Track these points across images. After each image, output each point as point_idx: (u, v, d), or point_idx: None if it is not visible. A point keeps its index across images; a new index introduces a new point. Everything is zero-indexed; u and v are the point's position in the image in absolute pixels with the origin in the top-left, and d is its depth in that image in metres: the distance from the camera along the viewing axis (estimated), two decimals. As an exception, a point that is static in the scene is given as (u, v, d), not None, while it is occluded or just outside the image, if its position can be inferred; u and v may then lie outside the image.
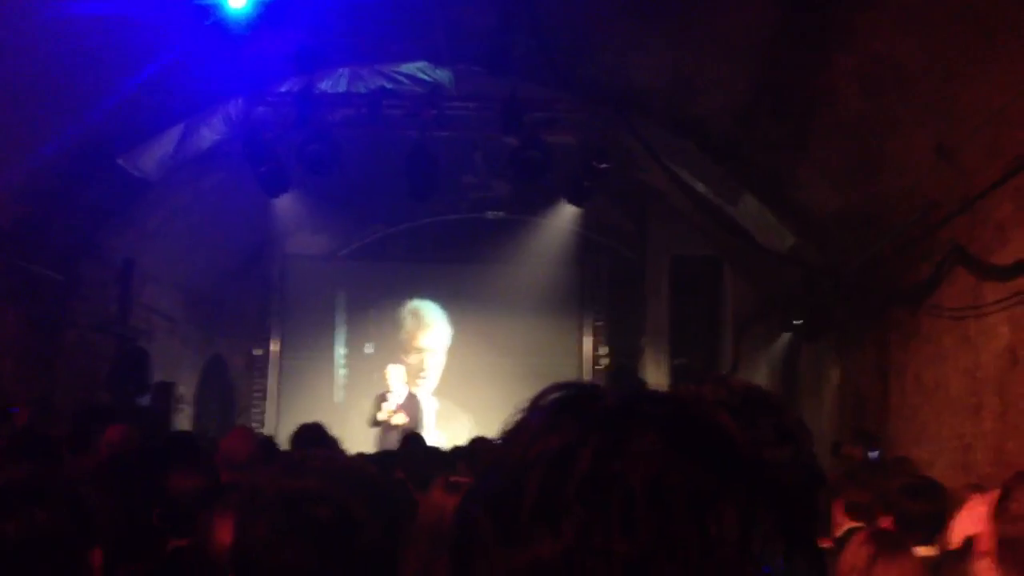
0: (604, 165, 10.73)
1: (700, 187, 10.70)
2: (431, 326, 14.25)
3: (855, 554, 2.90)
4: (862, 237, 9.24)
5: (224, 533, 2.32)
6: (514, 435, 0.76)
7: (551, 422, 0.74)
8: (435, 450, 5.62)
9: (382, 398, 11.53)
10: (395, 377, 11.79)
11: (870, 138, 8.18)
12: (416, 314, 14.28)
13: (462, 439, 10.42)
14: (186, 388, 12.94)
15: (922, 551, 3.42)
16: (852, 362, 10.49)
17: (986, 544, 2.20)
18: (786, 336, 12.05)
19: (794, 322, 11.17)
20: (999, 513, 2.16)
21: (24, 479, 1.87)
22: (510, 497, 0.70)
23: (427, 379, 13.92)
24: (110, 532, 2.09)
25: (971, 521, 3.07)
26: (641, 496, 0.67)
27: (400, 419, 10.75)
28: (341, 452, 6.48)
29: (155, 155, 10.12)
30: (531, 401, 0.80)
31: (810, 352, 11.71)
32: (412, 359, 13.89)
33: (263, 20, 7.74)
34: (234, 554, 1.35)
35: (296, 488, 1.33)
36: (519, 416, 0.79)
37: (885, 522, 3.96)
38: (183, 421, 12.55)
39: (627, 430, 0.71)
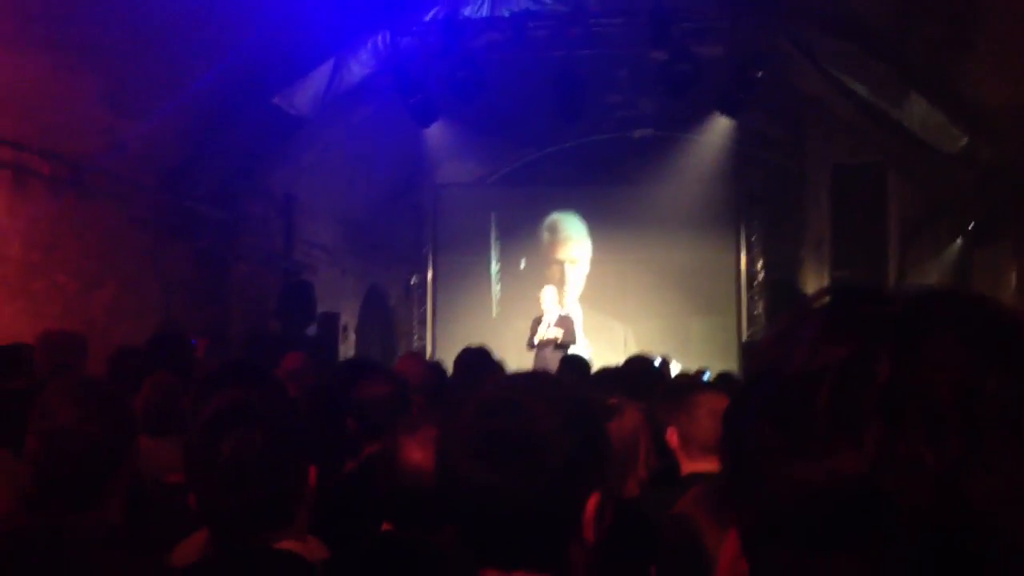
0: (759, 74, 10.34)
1: (861, 90, 10.18)
2: (571, 238, 14.37)
3: None
4: (1043, 132, 8.64)
5: (412, 451, 2.37)
6: (785, 344, 0.70)
7: (833, 330, 0.68)
8: (602, 371, 5.63)
9: (538, 321, 11.67)
10: (548, 299, 11.89)
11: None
12: (554, 227, 14.43)
13: (617, 353, 10.67)
14: (348, 318, 13.37)
15: None
16: (1032, 266, 9.90)
17: None
18: (958, 243, 11.46)
19: (967, 227, 10.60)
20: None
21: (237, 402, 1.93)
22: (799, 409, 0.66)
23: (570, 291, 14.03)
24: (316, 448, 2.19)
25: None
26: (949, 405, 0.62)
27: (554, 332, 11.05)
28: (505, 374, 6.58)
29: (308, 92, 10.32)
30: (799, 307, 0.73)
31: (984, 258, 11.10)
32: (554, 271, 14.07)
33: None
34: (435, 473, 1.37)
35: (496, 400, 1.33)
36: (784, 323, 0.73)
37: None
38: (348, 349, 13.00)
39: (924, 335, 0.65)
